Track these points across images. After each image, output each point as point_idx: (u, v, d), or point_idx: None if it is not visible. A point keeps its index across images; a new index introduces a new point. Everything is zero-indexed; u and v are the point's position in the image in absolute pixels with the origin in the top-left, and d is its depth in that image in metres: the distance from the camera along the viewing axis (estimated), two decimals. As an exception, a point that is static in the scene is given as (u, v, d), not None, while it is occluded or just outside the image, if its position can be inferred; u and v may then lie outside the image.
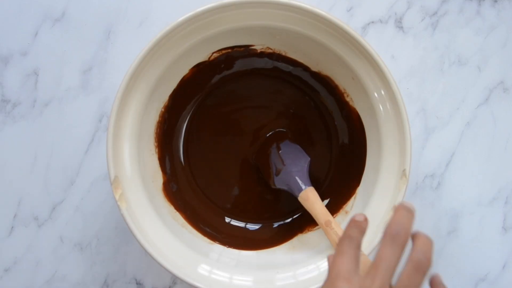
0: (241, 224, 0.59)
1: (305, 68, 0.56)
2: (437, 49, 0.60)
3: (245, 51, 0.55)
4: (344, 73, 0.53)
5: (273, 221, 0.59)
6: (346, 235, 0.39)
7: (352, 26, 0.58)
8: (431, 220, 0.60)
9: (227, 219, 0.59)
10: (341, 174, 0.58)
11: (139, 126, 0.52)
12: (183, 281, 0.50)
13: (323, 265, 0.53)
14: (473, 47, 0.60)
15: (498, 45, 0.61)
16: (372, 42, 0.54)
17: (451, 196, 0.60)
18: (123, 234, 0.59)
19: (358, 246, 0.39)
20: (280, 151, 0.57)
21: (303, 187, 0.55)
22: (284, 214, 0.59)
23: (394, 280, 0.37)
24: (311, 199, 0.54)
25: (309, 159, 0.56)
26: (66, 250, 0.59)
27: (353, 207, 0.55)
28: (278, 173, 0.57)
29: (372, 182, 0.53)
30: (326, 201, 0.58)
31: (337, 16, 0.52)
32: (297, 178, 0.55)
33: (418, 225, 0.60)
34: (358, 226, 0.39)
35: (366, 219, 0.40)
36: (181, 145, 0.59)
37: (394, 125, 0.51)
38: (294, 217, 0.59)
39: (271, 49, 0.55)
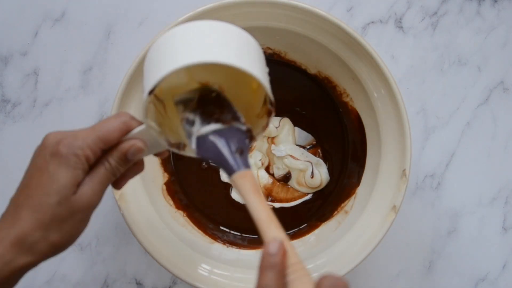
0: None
1: (304, 70, 0.56)
2: (437, 49, 0.60)
3: (245, 51, 0.55)
4: (344, 73, 0.53)
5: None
6: (262, 267, 0.34)
7: (352, 26, 0.58)
8: (431, 220, 0.60)
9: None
10: (341, 174, 0.58)
11: (139, 126, 0.52)
12: (183, 281, 0.50)
13: (323, 263, 0.53)
14: (473, 47, 0.60)
15: (498, 45, 0.61)
16: (372, 42, 0.54)
17: (451, 196, 0.60)
18: (123, 234, 0.59)
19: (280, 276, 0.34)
20: None
21: None
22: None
23: None
24: None
25: None
26: (66, 250, 0.59)
27: (353, 207, 0.55)
28: None
29: (372, 182, 0.53)
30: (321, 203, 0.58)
31: (337, 16, 0.52)
32: None
33: (418, 225, 0.60)
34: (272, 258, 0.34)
35: (280, 250, 0.34)
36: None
37: (394, 125, 0.51)
38: (292, 230, 0.59)
39: (271, 49, 0.55)
